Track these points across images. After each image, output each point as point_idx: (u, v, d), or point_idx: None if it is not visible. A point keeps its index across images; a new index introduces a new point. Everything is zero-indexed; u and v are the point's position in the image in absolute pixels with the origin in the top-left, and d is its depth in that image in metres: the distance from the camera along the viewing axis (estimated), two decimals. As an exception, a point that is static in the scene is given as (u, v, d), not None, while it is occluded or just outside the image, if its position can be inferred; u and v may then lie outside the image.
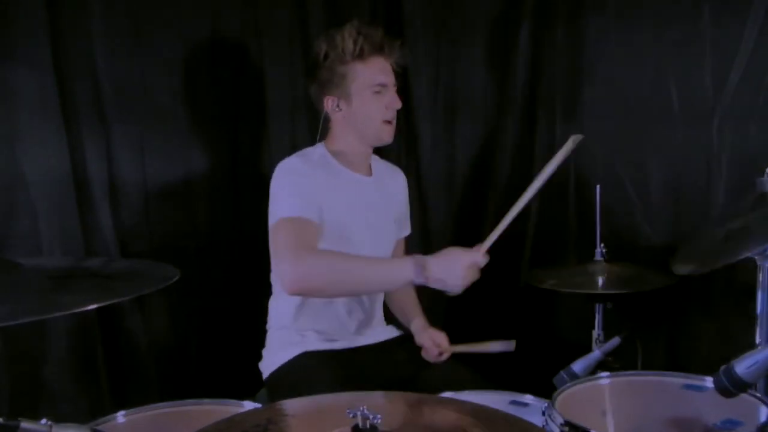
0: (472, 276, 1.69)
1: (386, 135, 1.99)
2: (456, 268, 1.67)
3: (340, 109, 1.96)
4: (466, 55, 2.64)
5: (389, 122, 1.98)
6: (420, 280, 1.69)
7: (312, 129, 2.49)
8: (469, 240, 2.72)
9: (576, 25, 2.46)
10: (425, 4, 2.62)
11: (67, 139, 2.04)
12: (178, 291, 2.10)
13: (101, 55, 2.10)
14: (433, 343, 1.97)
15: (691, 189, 2.28)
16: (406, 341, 2.07)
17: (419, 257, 1.71)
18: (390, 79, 1.97)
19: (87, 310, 1.12)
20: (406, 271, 1.70)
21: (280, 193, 1.87)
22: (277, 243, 1.81)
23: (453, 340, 2.00)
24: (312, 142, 2.12)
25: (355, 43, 1.90)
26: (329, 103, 1.97)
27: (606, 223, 2.19)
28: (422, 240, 2.59)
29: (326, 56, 1.93)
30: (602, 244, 2.21)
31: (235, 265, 2.42)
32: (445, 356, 1.96)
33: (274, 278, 2.02)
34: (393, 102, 1.97)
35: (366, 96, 1.94)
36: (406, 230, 2.23)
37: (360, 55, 1.91)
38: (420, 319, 2.08)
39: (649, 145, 2.35)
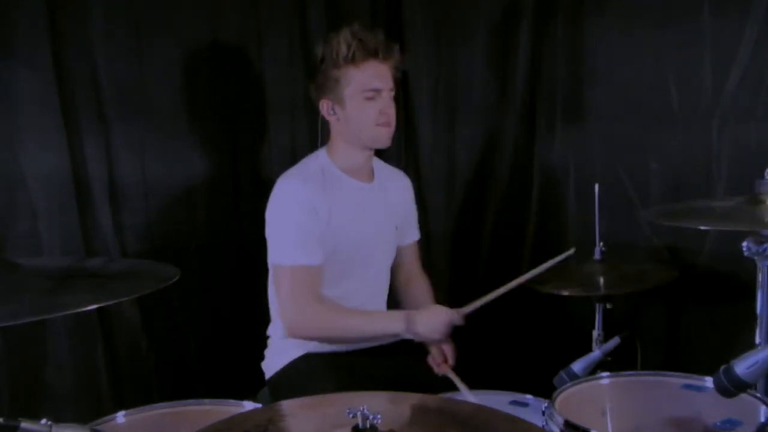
0: (447, 333, 1.85)
1: (383, 138, 1.95)
2: (438, 327, 1.84)
3: (335, 113, 1.95)
4: (466, 55, 2.64)
5: (385, 125, 1.93)
6: (408, 335, 1.86)
7: (312, 129, 2.48)
8: (469, 240, 2.73)
9: (576, 25, 2.46)
10: (425, 5, 2.61)
11: (67, 139, 2.04)
12: (178, 291, 2.10)
13: (101, 55, 2.10)
14: (441, 354, 1.97)
15: (691, 189, 2.28)
16: (408, 342, 2.06)
17: (410, 314, 1.86)
18: (385, 84, 1.92)
19: (87, 310, 1.12)
20: (398, 326, 1.85)
21: (282, 234, 1.90)
22: (280, 288, 1.90)
23: (453, 341, 1.99)
24: (312, 143, 2.12)
25: (348, 47, 1.87)
26: (325, 107, 1.96)
27: (606, 223, 2.19)
28: (422, 240, 2.59)
29: (323, 59, 1.92)
30: (602, 244, 2.21)
31: (235, 265, 2.42)
32: (445, 369, 1.94)
33: (271, 281, 2.01)
34: (387, 108, 1.92)
35: (358, 101, 1.90)
36: (414, 235, 2.21)
37: (353, 60, 1.88)
38: None
39: (649, 145, 2.35)
